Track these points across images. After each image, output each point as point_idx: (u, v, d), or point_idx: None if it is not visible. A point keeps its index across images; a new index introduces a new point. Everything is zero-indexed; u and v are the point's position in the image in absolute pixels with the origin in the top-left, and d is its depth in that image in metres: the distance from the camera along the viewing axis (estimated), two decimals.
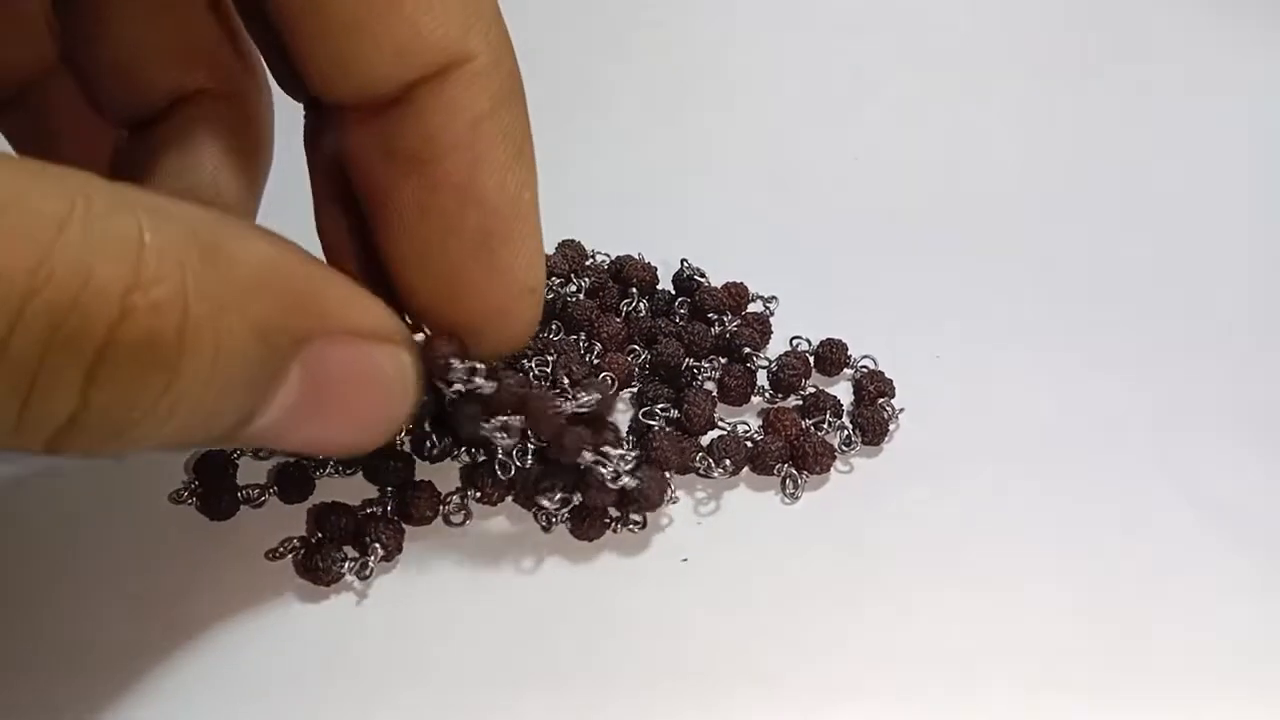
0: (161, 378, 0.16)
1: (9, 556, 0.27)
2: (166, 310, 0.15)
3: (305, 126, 0.25)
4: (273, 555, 0.27)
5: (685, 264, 0.34)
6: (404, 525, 0.27)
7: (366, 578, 0.26)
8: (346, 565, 0.26)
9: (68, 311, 0.14)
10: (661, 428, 0.29)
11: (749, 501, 0.29)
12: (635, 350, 0.32)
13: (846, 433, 0.30)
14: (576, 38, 0.45)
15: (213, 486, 0.28)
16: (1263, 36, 0.44)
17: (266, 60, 0.24)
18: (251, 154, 0.25)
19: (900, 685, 0.25)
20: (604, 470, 0.25)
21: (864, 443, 0.30)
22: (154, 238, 0.15)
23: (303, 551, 0.27)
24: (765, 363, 0.32)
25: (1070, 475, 0.30)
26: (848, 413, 0.31)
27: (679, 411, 0.29)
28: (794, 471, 0.29)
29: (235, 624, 0.25)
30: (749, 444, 0.29)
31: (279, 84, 0.24)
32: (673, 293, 0.34)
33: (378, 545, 0.26)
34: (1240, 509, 0.29)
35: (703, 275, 0.34)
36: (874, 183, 0.39)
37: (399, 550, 0.27)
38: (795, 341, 0.33)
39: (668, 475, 0.27)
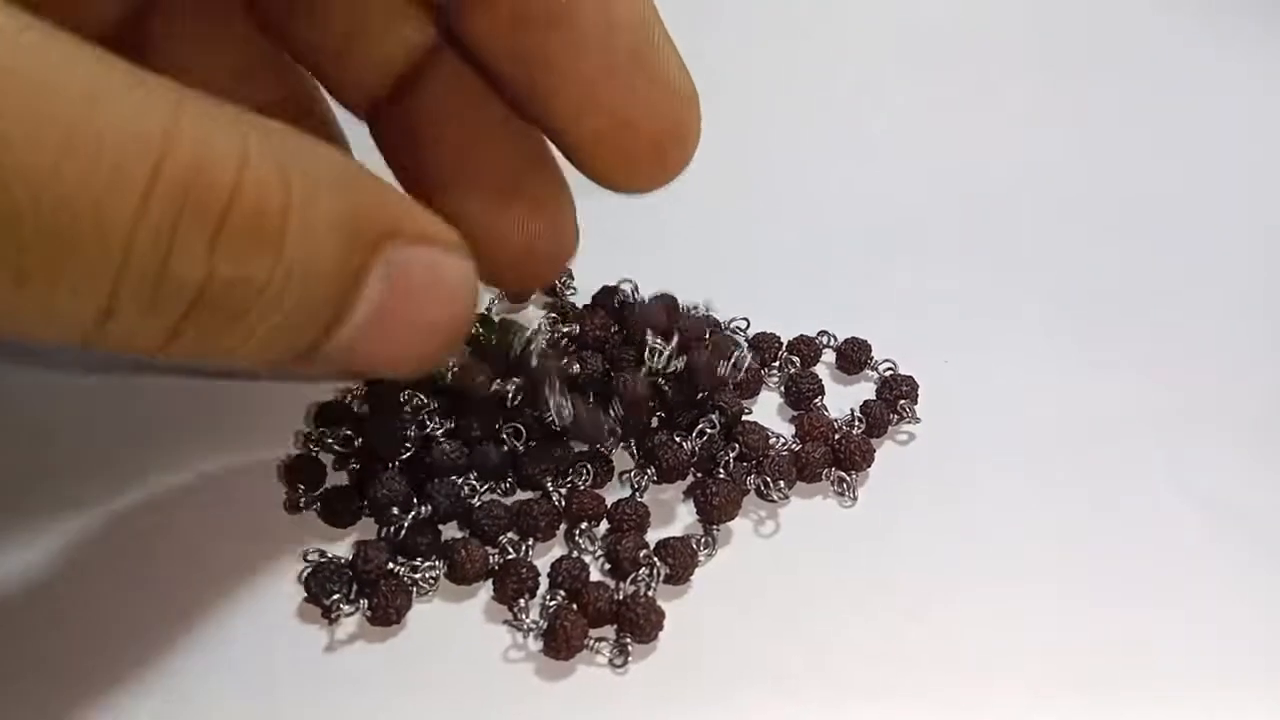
0: (270, 252, 0.17)
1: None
2: (271, 189, 0.17)
3: (372, 133, 0.27)
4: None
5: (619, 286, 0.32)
6: (410, 601, 0.26)
7: (333, 622, 0.25)
8: (335, 598, 0.25)
9: (195, 175, 0.16)
10: (727, 472, 0.28)
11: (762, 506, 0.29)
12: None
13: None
14: None
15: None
16: (1264, 36, 0.44)
17: (318, 77, 0.27)
18: None
19: (914, 685, 0.25)
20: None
21: (867, 434, 0.30)
22: (253, 131, 0.17)
23: (310, 568, 0.26)
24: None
25: (1080, 478, 0.29)
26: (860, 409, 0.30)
27: (737, 442, 0.29)
28: (842, 474, 0.28)
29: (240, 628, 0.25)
30: (786, 454, 0.29)
31: (335, 98, 0.27)
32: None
33: (366, 604, 0.25)
34: (1251, 512, 0.28)
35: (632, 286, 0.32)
36: (879, 187, 0.38)
37: (389, 622, 0.25)
38: (821, 336, 0.32)
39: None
